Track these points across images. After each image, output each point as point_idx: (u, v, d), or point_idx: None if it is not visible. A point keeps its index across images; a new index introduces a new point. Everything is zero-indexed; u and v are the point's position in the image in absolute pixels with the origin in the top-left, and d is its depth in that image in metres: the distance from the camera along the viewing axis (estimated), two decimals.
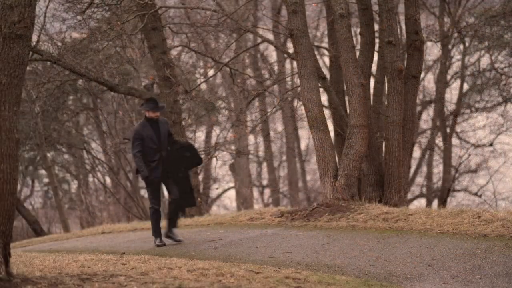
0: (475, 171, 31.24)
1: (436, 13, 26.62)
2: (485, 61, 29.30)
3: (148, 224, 14.48)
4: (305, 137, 34.64)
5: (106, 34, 16.61)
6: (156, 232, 10.78)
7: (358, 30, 13.62)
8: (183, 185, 10.58)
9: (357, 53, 12.82)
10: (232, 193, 31.10)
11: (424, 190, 30.87)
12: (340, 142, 13.94)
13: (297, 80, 17.51)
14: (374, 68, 13.63)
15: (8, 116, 6.65)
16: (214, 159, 20.60)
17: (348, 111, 12.62)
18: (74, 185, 30.78)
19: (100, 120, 25.48)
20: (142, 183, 32.27)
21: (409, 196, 28.49)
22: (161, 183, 10.69)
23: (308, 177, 35.78)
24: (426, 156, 30.48)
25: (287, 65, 30.21)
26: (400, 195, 12.34)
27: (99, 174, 25.90)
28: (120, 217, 26.16)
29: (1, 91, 6.64)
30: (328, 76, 14.93)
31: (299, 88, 12.77)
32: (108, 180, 27.13)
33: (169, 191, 10.70)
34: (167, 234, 10.76)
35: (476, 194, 29.97)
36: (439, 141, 29.11)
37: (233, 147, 25.08)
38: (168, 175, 10.52)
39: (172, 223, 10.74)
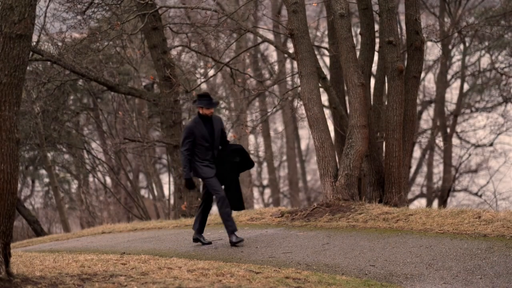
0: (475, 171, 31.27)
1: (436, 13, 26.65)
2: (485, 61, 29.33)
3: (148, 224, 14.46)
4: (305, 137, 34.67)
5: (106, 34, 16.62)
6: (230, 226, 10.17)
7: (358, 30, 13.61)
8: (233, 188, 10.32)
9: (357, 53, 12.82)
10: None
11: (424, 190, 30.88)
12: (340, 142, 13.94)
13: (297, 80, 17.53)
14: (374, 68, 13.63)
15: (8, 116, 6.66)
16: None
17: (348, 111, 12.61)
18: (74, 185, 30.74)
19: (100, 120, 25.49)
20: (142, 183, 32.27)
21: (409, 196, 28.50)
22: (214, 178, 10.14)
23: (308, 177, 35.80)
24: (426, 156, 30.50)
25: (287, 65, 30.22)
26: (401, 195, 12.33)
27: (99, 174, 25.88)
28: (120, 217, 26.14)
29: (1, 91, 6.64)
30: (328, 76, 14.93)
31: (299, 88, 12.76)
32: (108, 180, 27.11)
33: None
34: (195, 236, 10.50)
35: (476, 194, 29.98)
36: (439, 141, 29.12)
37: None
38: (218, 177, 10.18)
39: (202, 226, 10.48)
